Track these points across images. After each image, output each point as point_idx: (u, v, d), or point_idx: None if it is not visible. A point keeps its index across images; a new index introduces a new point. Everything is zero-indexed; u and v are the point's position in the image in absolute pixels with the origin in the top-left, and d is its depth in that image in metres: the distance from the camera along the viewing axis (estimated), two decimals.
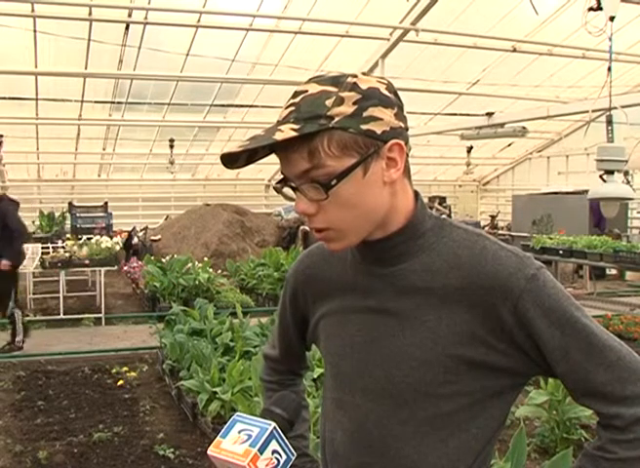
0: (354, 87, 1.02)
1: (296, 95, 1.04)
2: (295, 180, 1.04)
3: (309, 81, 1.05)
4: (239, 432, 1.00)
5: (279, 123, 1.02)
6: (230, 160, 1.04)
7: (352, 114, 1.00)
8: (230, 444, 0.98)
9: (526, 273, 1.04)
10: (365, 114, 1.01)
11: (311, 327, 1.26)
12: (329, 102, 1.00)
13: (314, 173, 1.01)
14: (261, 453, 0.97)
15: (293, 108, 1.02)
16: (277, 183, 1.09)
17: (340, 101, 1.00)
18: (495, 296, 1.04)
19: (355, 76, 1.04)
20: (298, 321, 1.30)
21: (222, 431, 1.01)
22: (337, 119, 0.99)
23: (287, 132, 0.98)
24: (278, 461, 0.99)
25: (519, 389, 1.12)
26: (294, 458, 1.01)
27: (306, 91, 1.03)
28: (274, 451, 0.99)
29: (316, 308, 1.23)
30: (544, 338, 1.03)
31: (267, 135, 1.00)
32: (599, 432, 1.06)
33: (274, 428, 1.00)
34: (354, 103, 1.00)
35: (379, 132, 1.02)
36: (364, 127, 1.00)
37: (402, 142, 1.04)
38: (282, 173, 1.07)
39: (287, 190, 1.09)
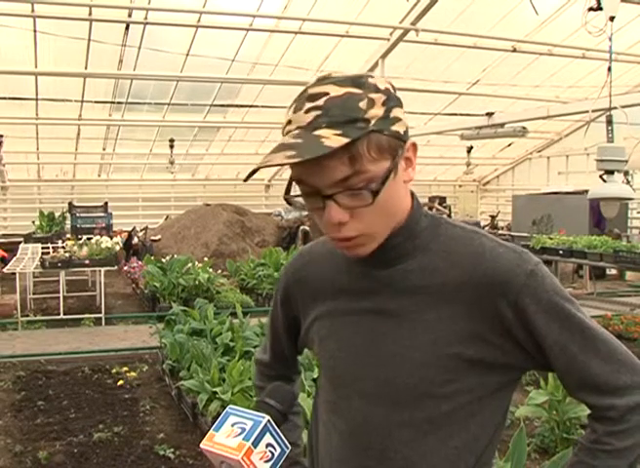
0: (377, 88, 1.00)
1: (314, 97, 0.97)
2: (326, 189, 0.98)
3: (323, 82, 0.99)
4: (232, 425, 0.98)
5: (307, 128, 0.96)
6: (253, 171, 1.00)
7: (383, 116, 0.98)
8: (223, 437, 0.97)
9: (525, 268, 1.04)
10: (391, 115, 1.00)
11: (304, 329, 1.23)
12: (362, 105, 0.96)
13: (354, 179, 0.97)
14: (255, 447, 0.95)
15: (319, 112, 0.96)
16: (286, 194, 1.04)
17: (372, 103, 0.97)
18: (494, 292, 1.03)
19: (371, 76, 1.02)
20: (289, 323, 1.27)
21: (216, 424, 0.99)
22: (373, 122, 0.97)
23: (333, 138, 0.92)
24: (272, 454, 0.97)
25: (515, 384, 1.12)
26: (288, 451, 1.00)
27: (327, 93, 0.97)
28: (268, 445, 0.97)
29: (308, 310, 1.20)
30: (543, 334, 1.03)
31: (310, 143, 0.93)
32: (593, 425, 1.06)
33: (268, 421, 0.98)
34: (382, 104, 0.99)
35: (402, 132, 1.02)
36: (393, 128, 1.00)
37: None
38: (305, 182, 1.00)
39: (299, 200, 1.05)
